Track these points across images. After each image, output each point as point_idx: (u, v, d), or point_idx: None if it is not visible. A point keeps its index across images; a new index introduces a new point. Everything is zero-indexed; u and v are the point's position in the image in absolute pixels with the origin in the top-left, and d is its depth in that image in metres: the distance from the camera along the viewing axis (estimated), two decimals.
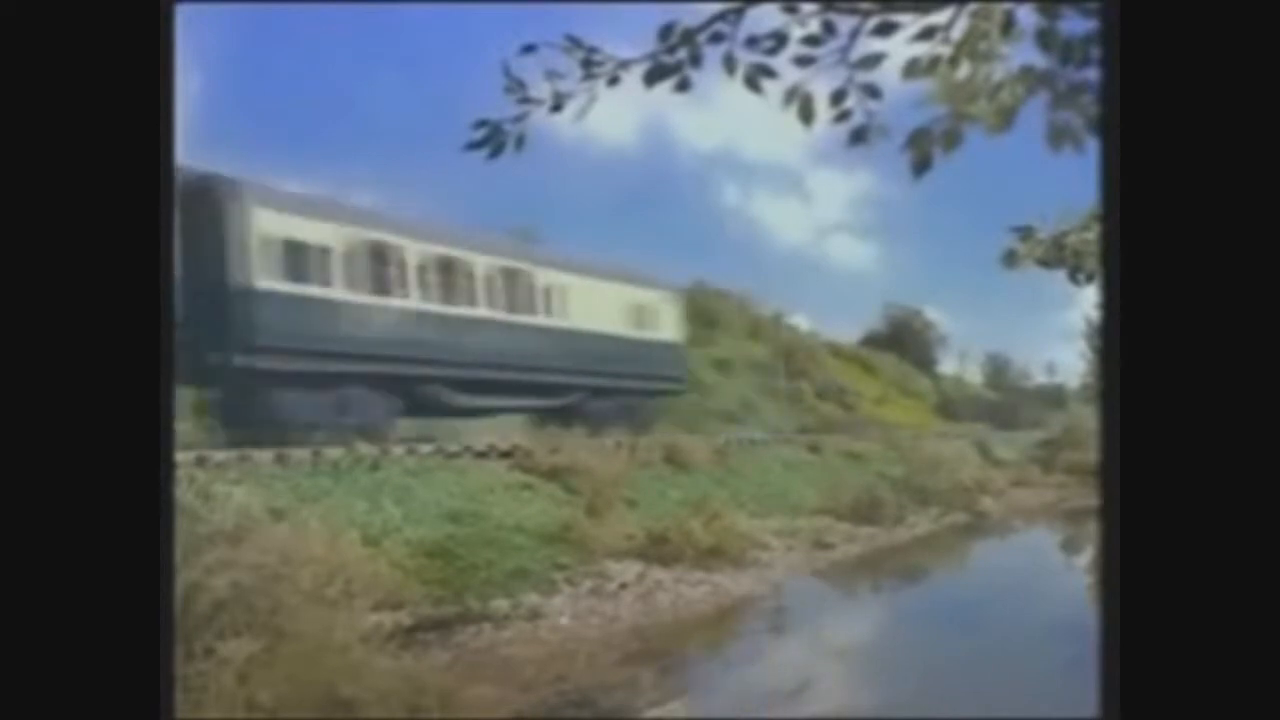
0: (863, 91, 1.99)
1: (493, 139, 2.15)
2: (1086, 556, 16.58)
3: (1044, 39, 1.91)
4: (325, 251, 14.58)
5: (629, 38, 2.14)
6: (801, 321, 39.16)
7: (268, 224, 13.71)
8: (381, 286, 15.50)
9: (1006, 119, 1.93)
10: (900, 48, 1.95)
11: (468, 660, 8.99)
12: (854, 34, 1.96)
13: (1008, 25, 1.91)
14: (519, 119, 2.13)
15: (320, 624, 7.21)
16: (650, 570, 12.42)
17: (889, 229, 68.69)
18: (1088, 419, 28.17)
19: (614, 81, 2.10)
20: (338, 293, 14.75)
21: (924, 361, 45.32)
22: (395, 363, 15.52)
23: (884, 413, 34.99)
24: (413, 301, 16.07)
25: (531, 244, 23.22)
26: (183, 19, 2.10)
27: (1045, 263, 2.81)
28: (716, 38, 2.03)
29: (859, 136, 2.01)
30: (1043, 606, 12.31)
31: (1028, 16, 1.92)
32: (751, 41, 2.01)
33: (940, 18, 1.92)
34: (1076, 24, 1.91)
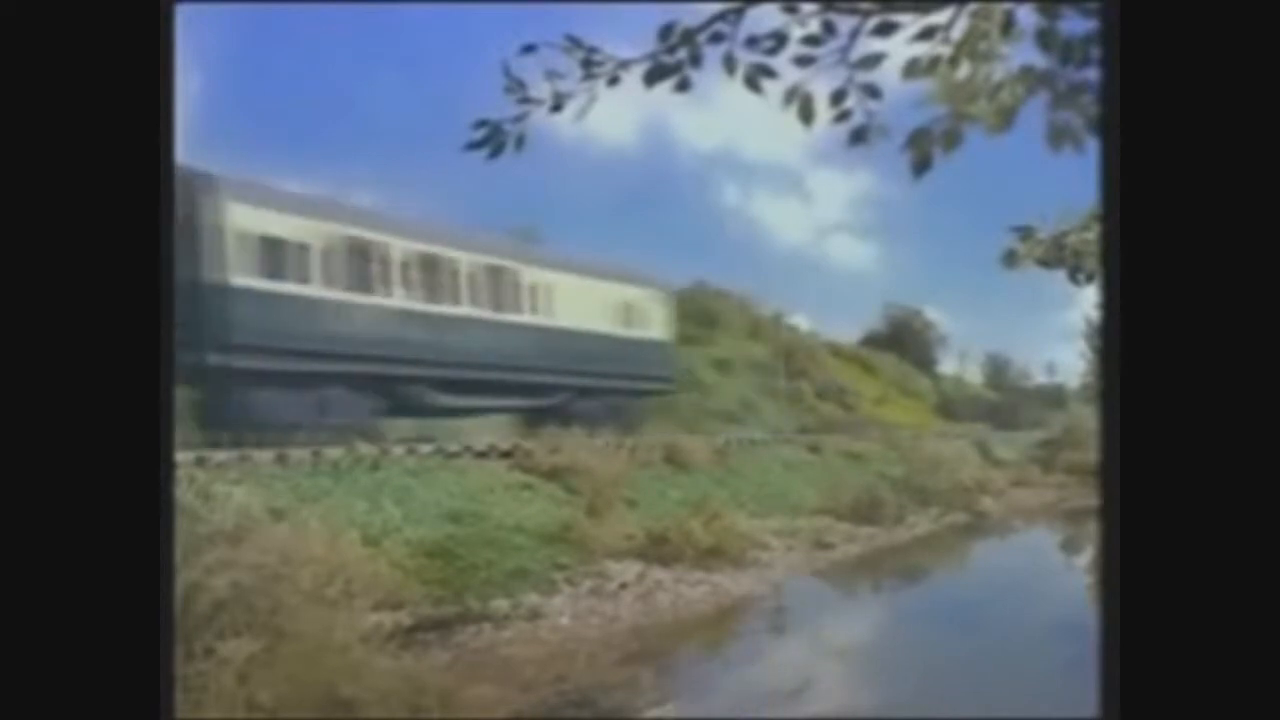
0: (863, 91, 1.99)
1: (493, 139, 2.15)
2: (1086, 556, 16.60)
3: (1044, 39, 1.91)
4: (303, 248, 14.33)
5: (629, 38, 2.13)
6: (801, 321, 39.20)
7: (243, 219, 13.45)
8: (363, 284, 15.25)
9: (1006, 119, 1.93)
10: (900, 48, 1.95)
11: (468, 660, 9.00)
12: (854, 34, 1.96)
13: (1008, 25, 1.91)
14: (519, 119, 2.13)
15: (320, 624, 7.22)
16: (650, 570, 12.42)
17: (889, 229, 68.67)
18: (1088, 419, 28.20)
19: (614, 81, 2.10)
20: (316, 290, 14.49)
21: (924, 361, 45.31)
22: (376, 362, 15.28)
23: (884, 413, 34.99)
24: (395, 300, 15.81)
25: (531, 244, 23.07)
26: (183, 19, 2.10)
27: (1045, 263, 2.81)
28: (716, 38, 2.03)
29: (859, 136, 2.00)
30: (1043, 606, 12.32)
31: (1028, 16, 1.92)
32: (751, 41, 2.01)
33: (940, 18, 1.92)
34: (1076, 24, 1.91)
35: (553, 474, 14.46)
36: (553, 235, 30.50)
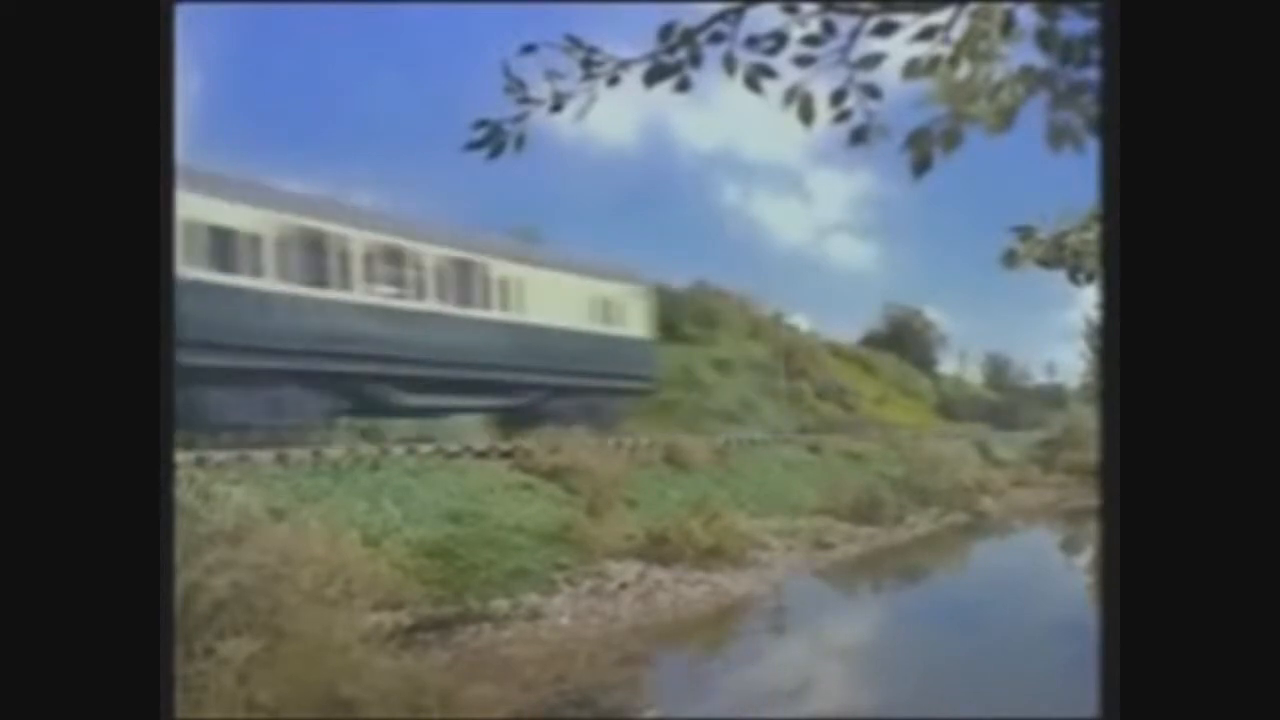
0: (863, 91, 1.99)
1: (493, 139, 2.15)
2: (1086, 556, 16.59)
3: (1044, 39, 1.91)
4: (255, 239, 13.70)
5: (629, 38, 2.13)
6: (801, 321, 39.27)
7: (191, 208, 12.61)
8: (320, 278, 14.59)
9: (1006, 119, 1.93)
10: (900, 48, 1.95)
11: (468, 660, 9.00)
12: (854, 34, 1.96)
13: (1008, 25, 1.91)
14: (519, 119, 2.13)
15: (320, 624, 7.22)
16: (650, 570, 12.43)
17: (889, 229, 68.72)
18: (1088, 419, 28.21)
19: (614, 81, 2.10)
20: (270, 284, 13.87)
21: (924, 361, 45.35)
22: (335, 359, 14.58)
23: (884, 413, 35.02)
24: (355, 294, 15.12)
25: (532, 244, 22.82)
26: (183, 19, 2.10)
27: (1045, 263, 2.81)
28: (716, 38, 2.03)
29: (859, 136, 2.00)
30: (1043, 606, 12.33)
31: (1028, 16, 1.92)
32: (751, 41, 2.01)
33: (940, 18, 1.92)
34: (1076, 24, 1.91)
35: (553, 474, 14.46)
36: (552, 235, 30.47)
